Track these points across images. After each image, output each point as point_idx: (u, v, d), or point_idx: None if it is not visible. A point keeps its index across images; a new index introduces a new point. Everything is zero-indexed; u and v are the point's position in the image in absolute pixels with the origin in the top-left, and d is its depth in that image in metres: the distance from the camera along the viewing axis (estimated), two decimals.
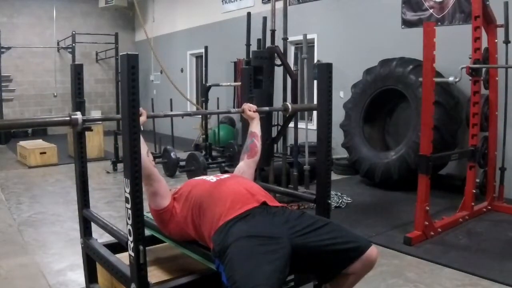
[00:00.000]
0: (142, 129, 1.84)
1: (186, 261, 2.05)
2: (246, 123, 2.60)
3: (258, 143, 2.38)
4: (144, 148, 1.85)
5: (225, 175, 2.11)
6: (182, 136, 9.04)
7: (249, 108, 2.41)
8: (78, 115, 1.73)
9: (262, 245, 1.60)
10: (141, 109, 1.85)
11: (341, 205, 4.41)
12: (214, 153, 6.89)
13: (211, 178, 2.07)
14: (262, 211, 1.80)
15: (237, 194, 1.87)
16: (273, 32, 4.70)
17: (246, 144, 2.41)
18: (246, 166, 2.35)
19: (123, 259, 1.92)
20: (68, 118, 1.73)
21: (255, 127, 2.41)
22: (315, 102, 2.26)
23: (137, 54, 1.56)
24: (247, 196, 1.88)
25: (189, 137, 8.99)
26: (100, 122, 10.20)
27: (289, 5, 5.68)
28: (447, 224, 3.64)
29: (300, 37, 5.44)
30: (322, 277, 1.83)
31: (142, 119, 1.88)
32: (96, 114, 11.71)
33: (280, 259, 1.57)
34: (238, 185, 1.95)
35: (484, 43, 3.90)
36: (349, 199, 4.57)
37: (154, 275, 1.89)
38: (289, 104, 2.51)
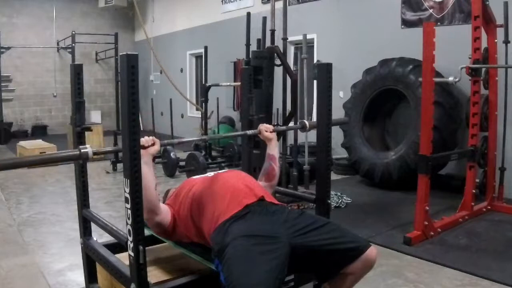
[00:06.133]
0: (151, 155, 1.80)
1: (186, 261, 2.05)
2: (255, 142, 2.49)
3: (276, 166, 2.25)
4: (154, 181, 1.83)
5: (224, 170, 2.11)
6: (182, 136, 9.03)
7: (266, 128, 2.26)
8: (88, 149, 1.60)
9: (260, 244, 1.60)
10: (153, 138, 1.83)
11: (341, 205, 4.41)
12: (213, 153, 6.88)
13: (209, 173, 2.07)
14: (262, 210, 1.80)
15: (235, 189, 1.88)
16: (272, 32, 4.70)
17: (264, 167, 2.29)
18: None
19: (123, 259, 1.92)
20: (77, 152, 1.58)
21: (273, 149, 2.28)
22: (315, 102, 2.26)
23: (137, 54, 1.55)
24: (245, 190, 1.88)
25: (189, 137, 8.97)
26: (100, 122, 10.25)
27: (289, 5, 5.68)
28: (447, 224, 3.64)
29: (300, 37, 5.44)
30: (322, 277, 1.83)
31: (155, 148, 1.83)
32: (96, 114, 11.73)
33: (278, 258, 1.57)
34: (236, 180, 1.95)
35: (484, 43, 3.90)
36: (349, 199, 4.57)
37: (154, 275, 1.89)
38: (306, 121, 2.35)
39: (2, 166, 1.44)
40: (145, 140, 1.80)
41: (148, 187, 1.77)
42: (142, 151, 1.74)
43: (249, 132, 2.30)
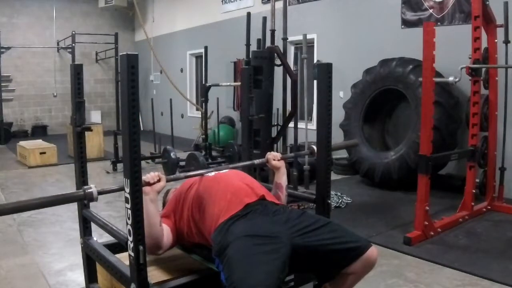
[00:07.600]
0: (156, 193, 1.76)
1: (186, 261, 2.05)
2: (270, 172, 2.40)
3: (282, 195, 2.18)
4: (159, 218, 1.82)
5: (224, 170, 2.10)
6: (182, 136, 9.04)
7: (274, 157, 2.20)
8: (93, 188, 1.56)
9: (261, 244, 1.60)
10: (159, 174, 1.80)
11: (341, 205, 4.41)
12: (214, 153, 6.88)
13: (210, 173, 2.07)
14: (263, 209, 1.80)
15: (236, 189, 1.88)
16: (273, 32, 4.70)
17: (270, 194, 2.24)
18: None
19: (123, 259, 1.92)
20: (82, 193, 1.55)
21: (280, 178, 2.21)
22: (315, 102, 2.25)
23: (137, 54, 1.55)
24: (246, 190, 1.88)
25: (189, 137, 8.98)
26: (100, 122, 10.25)
27: (289, 5, 5.68)
28: (447, 224, 3.64)
29: (300, 37, 5.44)
30: (322, 277, 1.83)
31: (161, 185, 1.79)
32: (96, 114, 11.73)
33: (279, 258, 1.57)
34: (237, 180, 1.96)
35: (484, 43, 3.90)
36: (349, 199, 4.57)
37: (154, 275, 1.89)
38: (314, 147, 2.26)
39: (3, 211, 1.42)
40: (150, 176, 1.76)
41: (153, 225, 1.77)
42: (147, 189, 1.73)
43: (257, 161, 2.23)
